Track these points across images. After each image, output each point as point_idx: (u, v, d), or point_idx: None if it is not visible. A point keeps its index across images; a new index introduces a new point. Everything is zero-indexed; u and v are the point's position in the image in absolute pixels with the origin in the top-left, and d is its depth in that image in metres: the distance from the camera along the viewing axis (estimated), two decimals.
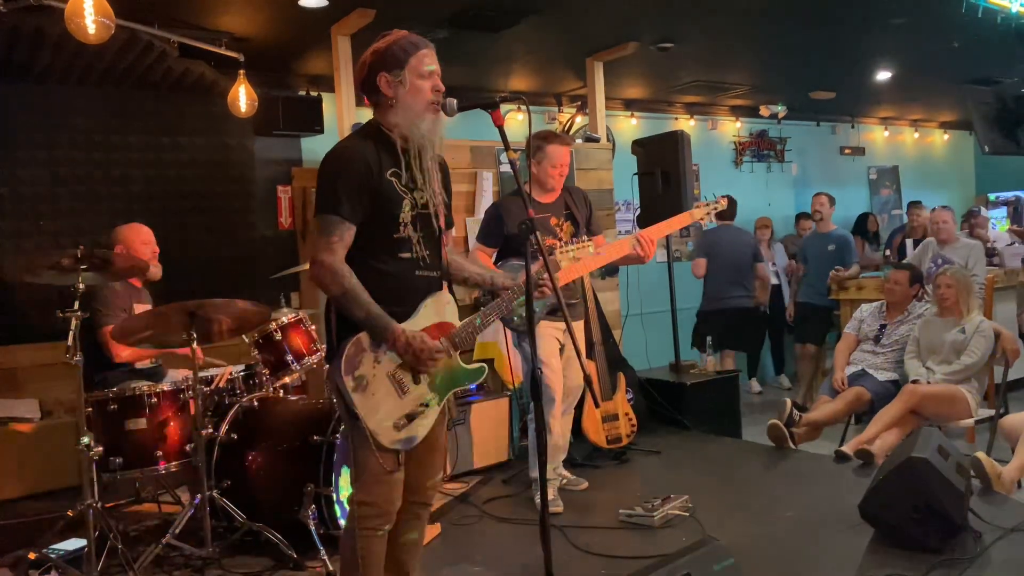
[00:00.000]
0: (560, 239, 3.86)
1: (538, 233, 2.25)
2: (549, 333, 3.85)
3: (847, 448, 4.47)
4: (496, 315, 2.47)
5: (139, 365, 3.83)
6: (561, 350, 3.95)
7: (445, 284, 2.46)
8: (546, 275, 2.38)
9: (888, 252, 7.76)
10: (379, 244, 2.29)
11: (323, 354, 3.87)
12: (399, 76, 2.28)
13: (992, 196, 10.09)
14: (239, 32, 4.92)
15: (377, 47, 2.30)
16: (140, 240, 3.89)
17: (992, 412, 4.75)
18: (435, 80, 2.30)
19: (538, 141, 3.85)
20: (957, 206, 8.58)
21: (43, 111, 4.97)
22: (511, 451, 4.72)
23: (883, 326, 5.14)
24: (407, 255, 2.32)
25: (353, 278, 2.21)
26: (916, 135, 10.42)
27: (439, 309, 2.38)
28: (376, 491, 2.29)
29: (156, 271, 3.92)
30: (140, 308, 3.81)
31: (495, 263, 3.88)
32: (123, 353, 3.66)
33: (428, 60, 2.30)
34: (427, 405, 2.33)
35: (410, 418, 2.29)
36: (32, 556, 3.06)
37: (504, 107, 2.38)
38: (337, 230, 2.21)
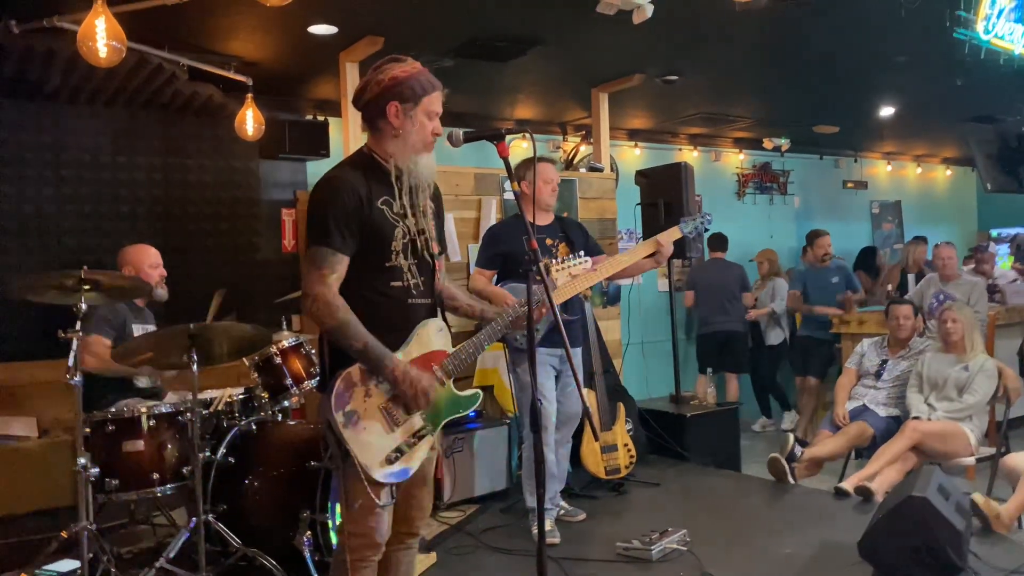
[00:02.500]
0: (556, 258, 3.90)
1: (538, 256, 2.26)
2: (544, 360, 3.87)
3: (847, 484, 4.44)
4: (488, 342, 2.45)
5: (139, 384, 3.82)
6: (557, 378, 3.95)
7: (438, 311, 2.45)
8: (545, 298, 2.35)
9: (890, 287, 7.77)
10: (371, 273, 2.28)
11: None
12: (411, 110, 2.29)
13: (994, 232, 10.11)
14: (248, 56, 4.97)
15: (396, 75, 2.28)
16: (148, 263, 3.90)
17: (993, 450, 4.72)
18: (437, 122, 2.35)
19: (526, 164, 3.98)
20: (959, 242, 8.61)
21: (52, 131, 5.01)
22: (509, 479, 4.69)
23: (885, 361, 5.13)
24: (399, 283, 2.31)
25: (347, 310, 2.19)
26: (919, 170, 10.47)
27: (432, 337, 2.36)
28: (366, 522, 2.27)
29: (163, 293, 3.92)
30: (140, 329, 3.80)
31: (496, 285, 3.94)
32: (90, 362, 3.59)
33: (439, 102, 2.34)
34: (421, 437, 2.31)
35: (401, 451, 2.26)
36: None
37: (508, 136, 2.40)
38: (328, 262, 2.20)
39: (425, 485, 2.47)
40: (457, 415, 2.42)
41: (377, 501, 2.23)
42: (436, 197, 2.48)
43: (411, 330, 2.31)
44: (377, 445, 2.22)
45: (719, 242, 7.30)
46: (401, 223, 2.30)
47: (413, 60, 2.35)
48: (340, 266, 2.22)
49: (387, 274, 2.29)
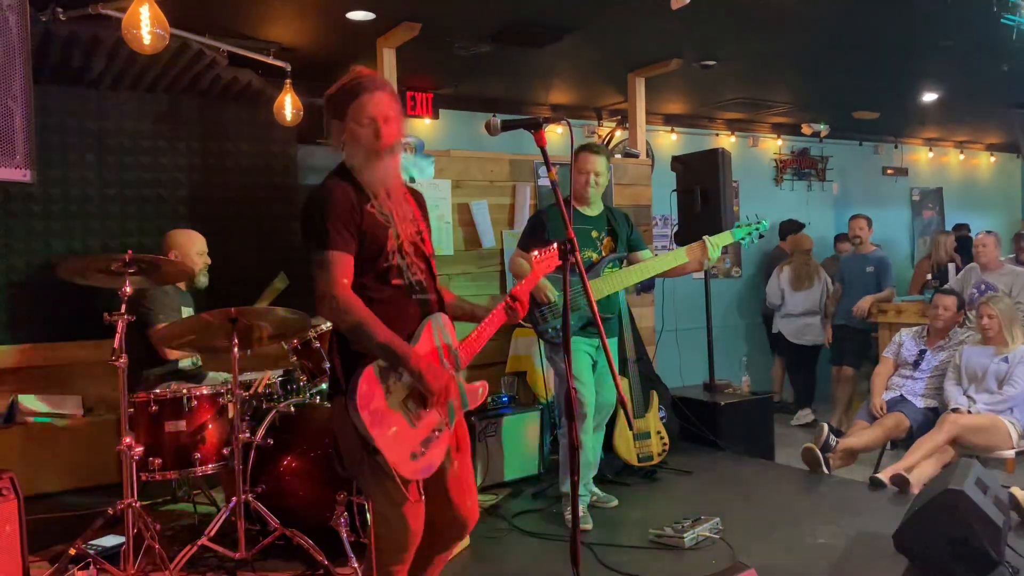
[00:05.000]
0: (600, 252, 3.91)
1: (578, 247, 2.27)
2: (581, 349, 3.87)
3: (882, 475, 4.40)
4: (482, 342, 2.43)
5: (182, 365, 3.92)
6: (594, 366, 3.96)
7: (443, 307, 2.45)
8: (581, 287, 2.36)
9: (930, 276, 7.64)
10: (371, 274, 2.29)
11: None
12: (342, 124, 2.30)
13: None
14: (287, 42, 5.01)
15: (328, 95, 2.32)
16: (196, 249, 3.98)
17: None
18: (379, 124, 2.27)
19: (574, 152, 3.90)
20: (1002, 230, 8.42)
21: (96, 116, 5.09)
22: (541, 465, 4.72)
23: (923, 351, 5.06)
24: (400, 281, 2.32)
25: (365, 308, 2.21)
26: (961, 157, 10.25)
27: (440, 331, 2.37)
28: (396, 524, 2.28)
29: (205, 281, 4.00)
30: (186, 312, 3.89)
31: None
32: (174, 353, 3.76)
33: (370, 107, 2.27)
34: (440, 430, 2.33)
35: (426, 445, 2.28)
36: (72, 551, 3.13)
37: (545, 124, 2.40)
38: (337, 264, 2.22)
39: (469, 491, 2.47)
40: (467, 408, 2.43)
41: (409, 497, 2.24)
42: (416, 198, 2.49)
43: (416, 326, 2.32)
44: (402, 442, 2.23)
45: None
46: (392, 226, 2.31)
47: (363, 68, 2.37)
48: (348, 267, 2.24)
49: (387, 273, 2.30)
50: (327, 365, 3.84)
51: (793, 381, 7.56)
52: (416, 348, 2.27)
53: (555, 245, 2.41)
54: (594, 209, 3.98)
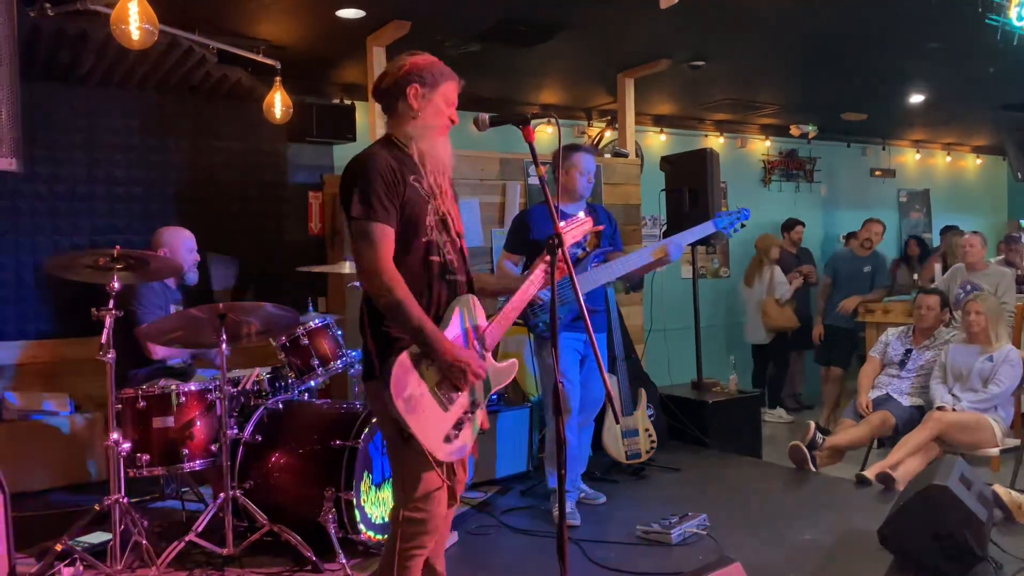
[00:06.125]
0: (585, 248, 3.93)
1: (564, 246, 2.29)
2: (568, 344, 3.89)
3: (868, 473, 4.44)
4: (515, 314, 2.48)
5: (171, 363, 3.91)
6: (582, 362, 3.98)
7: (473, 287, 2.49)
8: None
9: (917, 277, 7.70)
10: (409, 248, 2.30)
11: (348, 360, 3.92)
12: (430, 93, 2.37)
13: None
14: (277, 40, 5.01)
15: (416, 62, 2.38)
16: (185, 247, 3.97)
17: (1018, 442, 4.69)
18: (454, 111, 2.44)
19: (567, 151, 3.95)
20: (989, 232, 8.49)
21: (84, 112, 5.09)
22: (530, 461, 4.74)
23: (909, 351, 5.10)
24: (436, 258, 2.34)
25: (406, 287, 2.22)
26: (948, 159, 10.32)
27: (469, 313, 2.40)
28: (428, 507, 2.31)
29: (194, 277, 4.00)
30: (174, 308, 3.89)
31: (523, 271, 3.95)
32: (158, 351, 3.75)
33: (455, 92, 2.45)
34: (471, 412, 2.37)
35: (459, 428, 2.32)
36: (59, 548, 3.13)
37: (534, 121, 2.44)
38: (382, 236, 2.23)
39: (466, 465, 2.56)
40: (501, 386, 2.50)
41: (443, 480, 2.31)
42: (451, 183, 2.53)
43: (448, 305, 2.35)
44: (436, 426, 2.27)
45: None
46: (432, 200, 2.35)
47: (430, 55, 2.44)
48: (391, 240, 2.26)
49: (424, 249, 2.32)
50: (315, 362, 3.85)
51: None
52: (446, 329, 2.30)
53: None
54: (578, 207, 4.03)
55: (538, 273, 2.45)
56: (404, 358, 2.22)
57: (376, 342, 2.30)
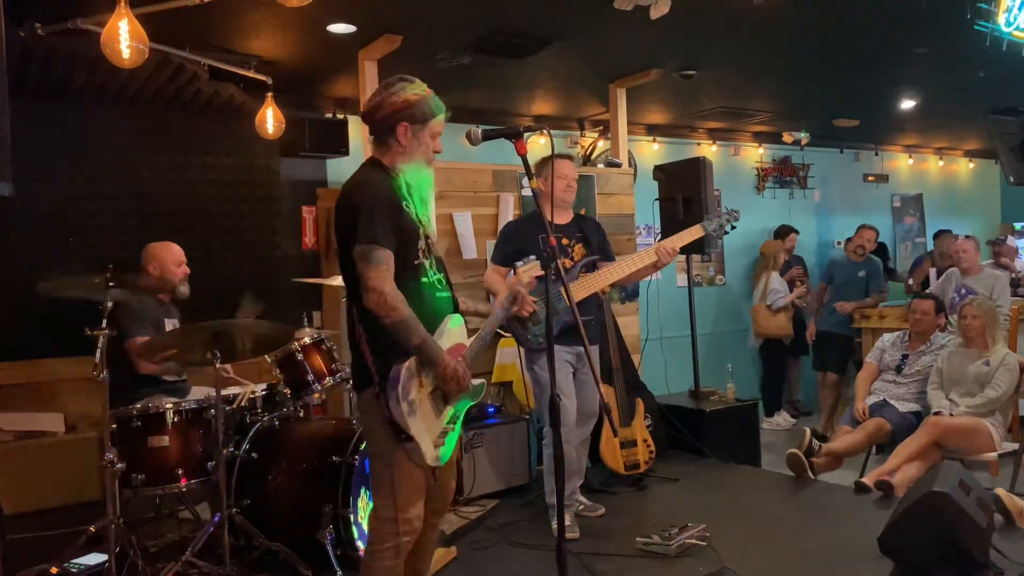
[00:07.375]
0: (572, 258, 3.94)
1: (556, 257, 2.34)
2: (560, 357, 3.88)
3: (867, 479, 4.42)
4: (488, 335, 2.65)
5: (166, 378, 3.89)
6: (574, 374, 3.96)
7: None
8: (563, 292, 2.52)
9: (911, 281, 7.71)
10: (406, 270, 2.43)
11: (343, 375, 3.90)
12: (419, 131, 2.49)
13: (1018, 225, 9.99)
14: (268, 55, 5.01)
15: (408, 99, 2.48)
16: (173, 260, 3.95)
17: (1016, 446, 4.68)
18: (438, 143, 2.59)
19: (543, 162, 3.97)
20: (982, 235, 8.51)
21: (76, 130, 5.07)
22: (529, 474, 4.72)
23: (905, 356, 5.10)
24: (427, 279, 2.50)
25: (407, 306, 2.34)
26: (941, 163, 10.36)
27: (457, 330, 2.55)
28: (414, 509, 2.45)
29: (185, 290, 3.98)
30: (169, 324, 3.87)
31: None
32: (147, 367, 3.71)
33: (442, 124, 2.58)
34: (454, 423, 2.52)
35: (442, 436, 2.45)
36: (54, 571, 3.10)
37: (526, 134, 2.48)
38: (384, 259, 2.34)
39: (451, 467, 2.69)
40: (471, 404, 2.64)
41: (430, 482, 2.47)
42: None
43: (440, 323, 2.48)
44: (430, 431, 2.41)
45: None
46: (420, 226, 2.49)
47: (420, 82, 2.54)
48: (391, 262, 2.37)
49: (418, 270, 2.47)
50: (310, 378, 3.84)
51: None
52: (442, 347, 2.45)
53: (532, 257, 2.58)
54: (564, 217, 4.04)
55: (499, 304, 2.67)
56: (412, 363, 2.36)
57: (375, 354, 2.40)
